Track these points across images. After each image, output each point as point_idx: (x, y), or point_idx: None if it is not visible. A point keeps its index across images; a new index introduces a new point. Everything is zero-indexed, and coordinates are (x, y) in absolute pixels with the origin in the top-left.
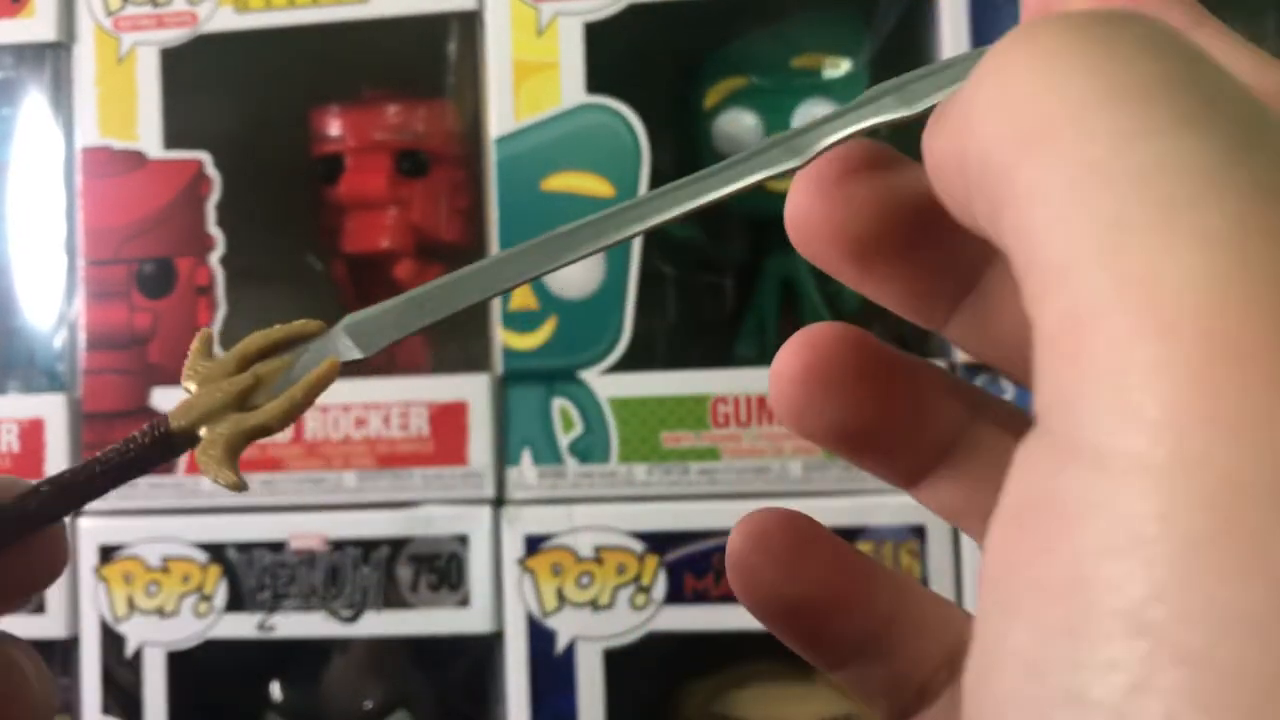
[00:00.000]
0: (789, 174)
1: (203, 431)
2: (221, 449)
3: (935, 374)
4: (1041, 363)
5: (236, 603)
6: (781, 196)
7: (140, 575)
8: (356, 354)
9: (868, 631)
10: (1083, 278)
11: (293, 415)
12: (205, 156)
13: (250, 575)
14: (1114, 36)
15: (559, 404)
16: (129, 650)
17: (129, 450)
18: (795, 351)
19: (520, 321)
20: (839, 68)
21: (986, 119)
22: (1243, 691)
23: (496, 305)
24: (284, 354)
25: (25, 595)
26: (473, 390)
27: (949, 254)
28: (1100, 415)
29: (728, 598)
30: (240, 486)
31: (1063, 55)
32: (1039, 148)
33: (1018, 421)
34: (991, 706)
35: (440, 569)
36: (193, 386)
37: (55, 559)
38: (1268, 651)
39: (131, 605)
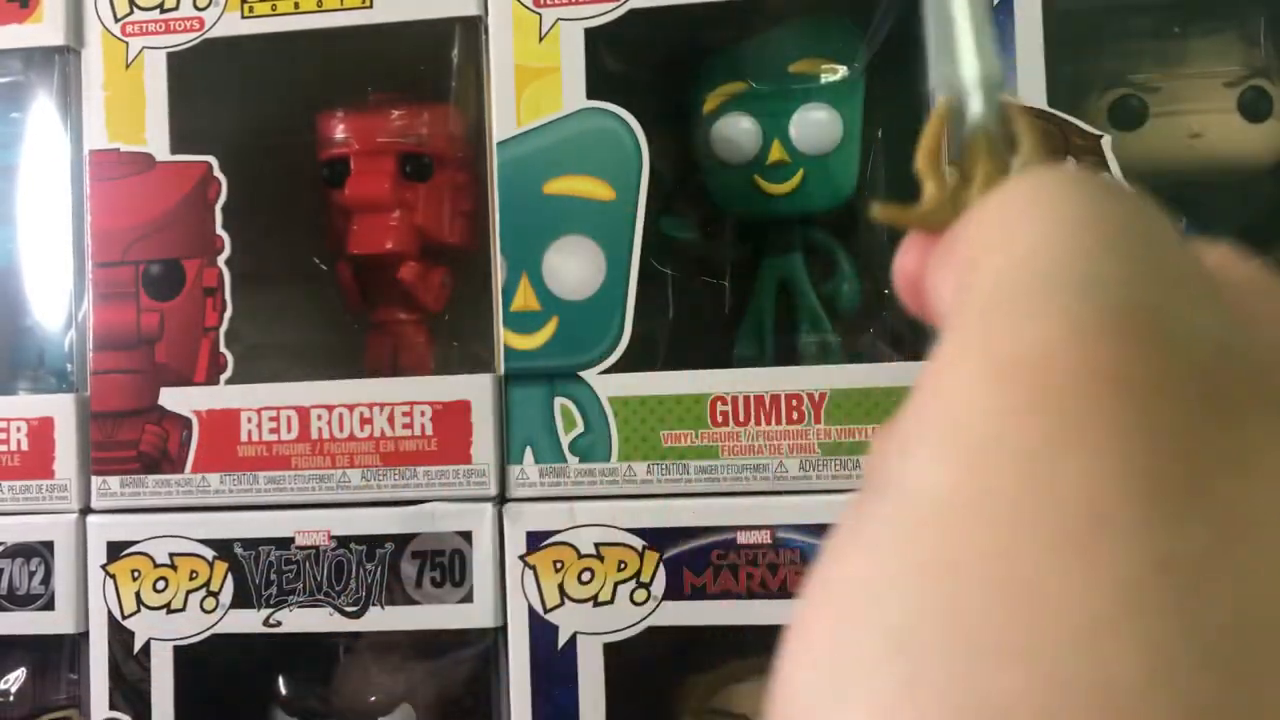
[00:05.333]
0: None
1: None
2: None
3: None
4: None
5: (243, 599)
6: (779, 198)
7: (148, 571)
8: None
9: None
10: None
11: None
12: (212, 160)
13: (256, 571)
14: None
15: (560, 403)
16: (136, 645)
17: None
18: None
19: (522, 322)
20: (835, 73)
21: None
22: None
23: (499, 307)
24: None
25: None
26: (476, 390)
27: None
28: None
29: (726, 594)
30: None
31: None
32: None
33: None
34: (793, 687)
35: (444, 565)
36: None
37: None
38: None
39: (139, 601)
